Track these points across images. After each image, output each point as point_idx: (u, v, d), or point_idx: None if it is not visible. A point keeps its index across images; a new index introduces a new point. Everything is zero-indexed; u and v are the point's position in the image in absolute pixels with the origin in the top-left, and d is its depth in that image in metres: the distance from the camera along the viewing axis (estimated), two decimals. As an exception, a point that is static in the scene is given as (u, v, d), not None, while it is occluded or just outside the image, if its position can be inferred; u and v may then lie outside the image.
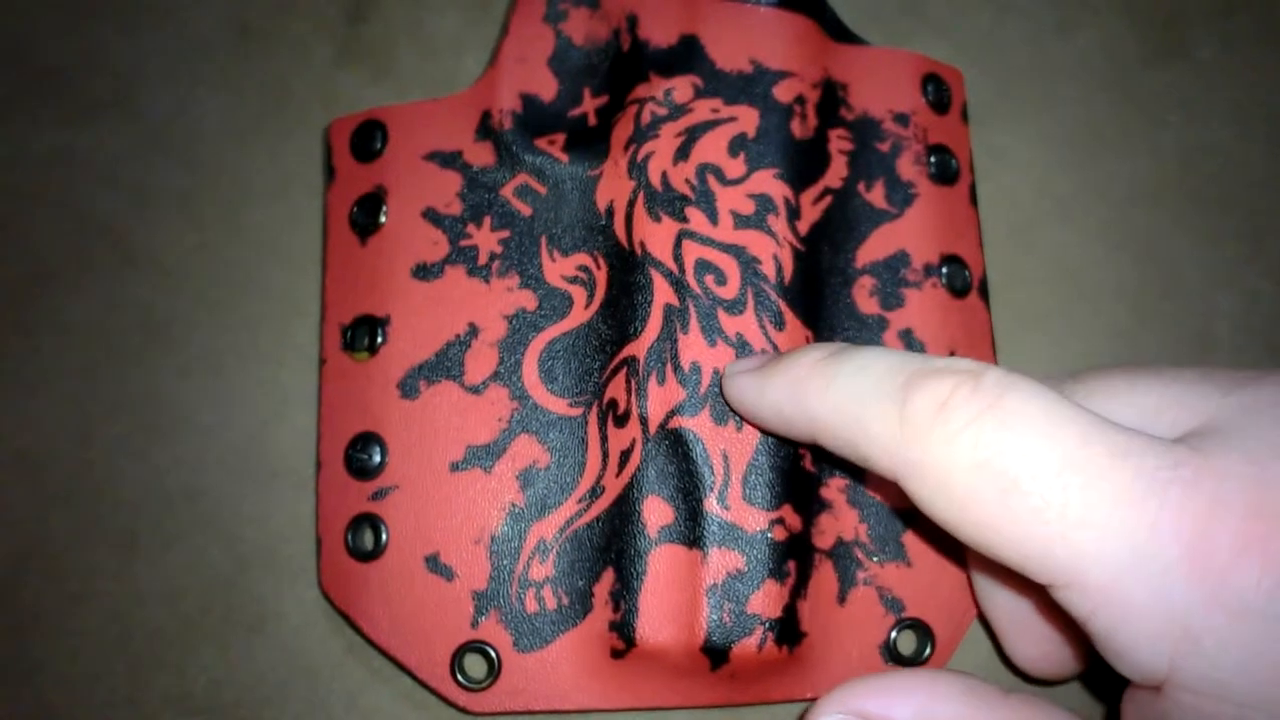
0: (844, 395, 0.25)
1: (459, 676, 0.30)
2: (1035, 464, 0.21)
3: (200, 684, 0.32)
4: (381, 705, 0.32)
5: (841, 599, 0.31)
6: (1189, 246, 0.37)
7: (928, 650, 0.31)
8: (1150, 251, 0.37)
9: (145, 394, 0.34)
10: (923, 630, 0.31)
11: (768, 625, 0.29)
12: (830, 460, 0.31)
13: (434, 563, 0.30)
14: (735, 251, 0.31)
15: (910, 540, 0.31)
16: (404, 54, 0.37)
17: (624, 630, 0.29)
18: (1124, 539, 0.21)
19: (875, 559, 0.31)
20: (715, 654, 0.29)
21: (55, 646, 0.32)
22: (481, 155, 0.33)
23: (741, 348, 0.30)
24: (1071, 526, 0.21)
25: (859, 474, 0.31)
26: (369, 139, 0.33)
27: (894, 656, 0.31)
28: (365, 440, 0.31)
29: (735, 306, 0.30)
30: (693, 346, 0.30)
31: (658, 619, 0.29)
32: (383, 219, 0.32)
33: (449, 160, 0.33)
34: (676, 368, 0.30)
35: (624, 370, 0.30)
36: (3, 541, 0.33)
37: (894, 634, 0.31)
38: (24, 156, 0.36)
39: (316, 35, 0.37)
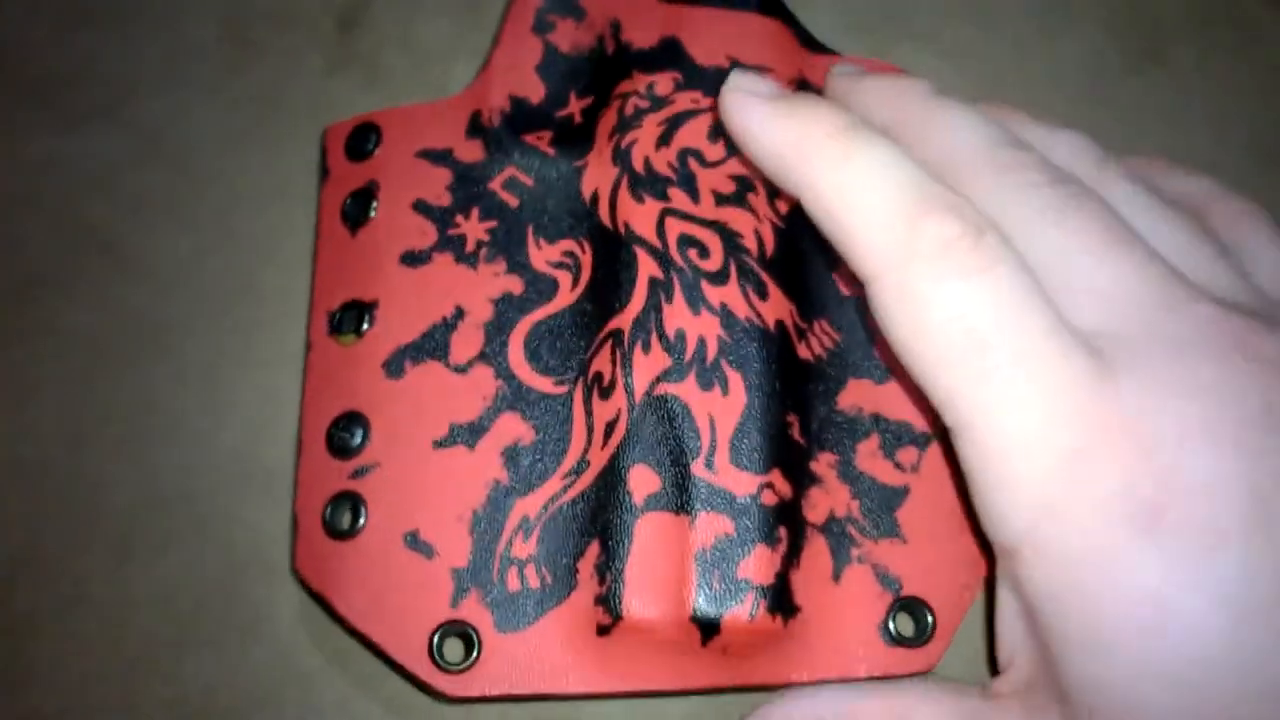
0: (856, 183, 0.25)
1: (437, 658, 0.28)
2: (1004, 336, 0.24)
3: (194, 688, 0.31)
4: (373, 712, 0.31)
5: (836, 576, 0.29)
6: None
7: (929, 630, 0.29)
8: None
9: (139, 399, 0.34)
10: (922, 609, 0.29)
11: (759, 591, 0.28)
12: (820, 438, 0.31)
13: (414, 540, 0.29)
14: (717, 227, 0.31)
15: (905, 516, 0.30)
16: (395, 62, 0.38)
17: (610, 603, 0.28)
18: (1040, 423, 0.23)
19: (869, 535, 0.30)
20: (705, 625, 0.28)
21: (48, 651, 0.31)
22: (471, 152, 0.34)
23: (726, 316, 0.30)
24: (1008, 392, 0.24)
25: (850, 446, 0.31)
26: (363, 140, 0.34)
27: (893, 637, 0.29)
28: (348, 419, 0.31)
29: (719, 278, 0.31)
30: (677, 315, 0.30)
31: (645, 588, 0.28)
32: (373, 212, 0.33)
33: (439, 157, 0.34)
34: (661, 336, 0.30)
35: (609, 343, 0.30)
36: (-4, 546, 0.32)
37: (892, 613, 0.29)
38: (17, 163, 0.37)
39: (308, 44, 0.38)
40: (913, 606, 0.30)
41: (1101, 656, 0.23)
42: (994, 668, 0.28)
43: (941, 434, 0.31)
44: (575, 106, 0.34)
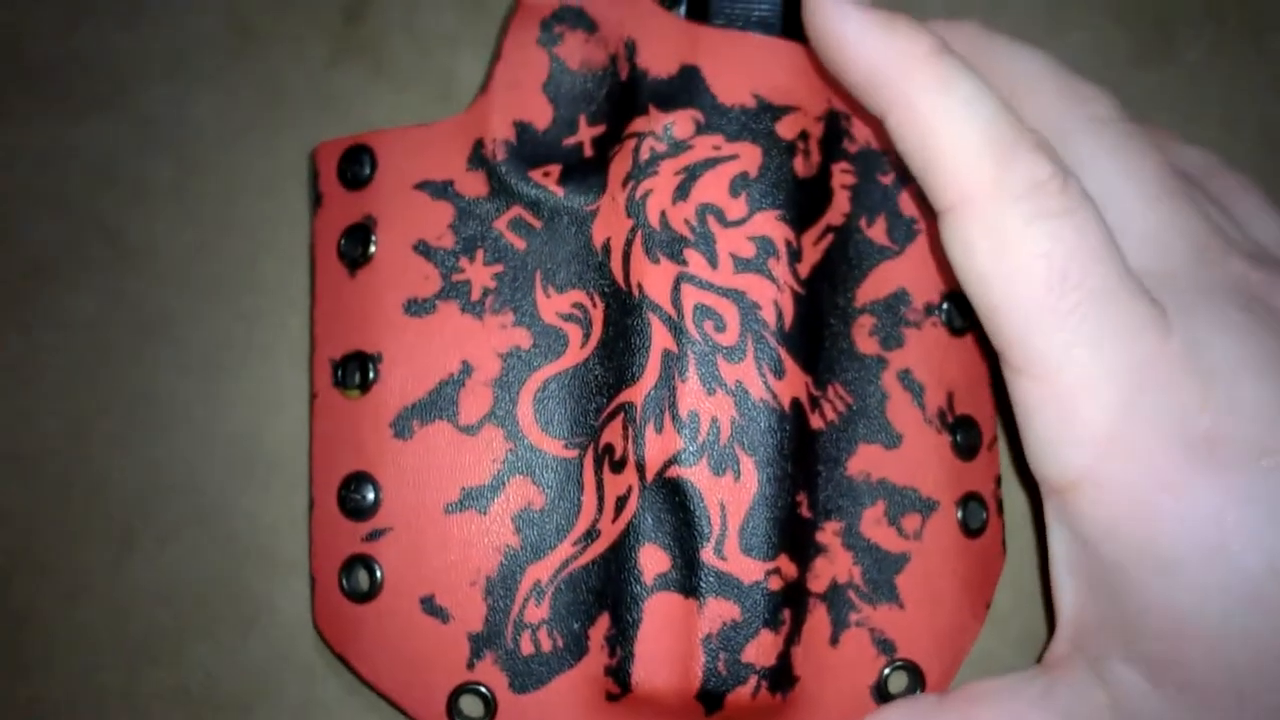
0: (954, 110, 0.26)
1: (456, 718, 0.30)
2: (1084, 277, 0.25)
3: (196, 679, 0.32)
4: (377, 701, 0.32)
5: (834, 641, 0.31)
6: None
7: (918, 691, 0.31)
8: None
9: (141, 389, 0.34)
10: (913, 671, 0.31)
11: (762, 674, 0.29)
12: (826, 508, 0.31)
13: (429, 605, 0.30)
14: (735, 296, 0.30)
15: (903, 582, 0.31)
16: (399, 52, 0.36)
17: (619, 675, 0.29)
18: (1110, 360, 0.25)
19: (868, 600, 0.31)
20: (710, 701, 0.29)
21: (51, 642, 0.32)
22: (474, 186, 0.32)
23: (740, 396, 0.30)
24: (1084, 330, 0.25)
25: (855, 514, 0.31)
26: (357, 164, 0.32)
27: (884, 697, 0.31)
28: (358, 480, 0.31)
29: (734, 354, 0.30)
30: (691, 395, 0.30)
31: (653, 665, 0.29)
32: (372, 250, 0.32)
33: (440, 190, 0.32)
34: (674, 416, 0.30)
35: (621, 416, 0.30)
36: (-2, 536, 0.33)
37: (885, 674, 0.31)
38: (19, 152, 0.35)
39: (312, 33, 0.37)
40: (906, 669, 0.31)
41: (1166, 580, 0.24)
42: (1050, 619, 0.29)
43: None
44: (586, 135, 0.32)
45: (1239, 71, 0.38)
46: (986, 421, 0.33)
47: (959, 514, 0.32)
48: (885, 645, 0.31)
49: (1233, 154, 0.37)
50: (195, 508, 0.33)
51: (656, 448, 0.30)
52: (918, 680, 0.31)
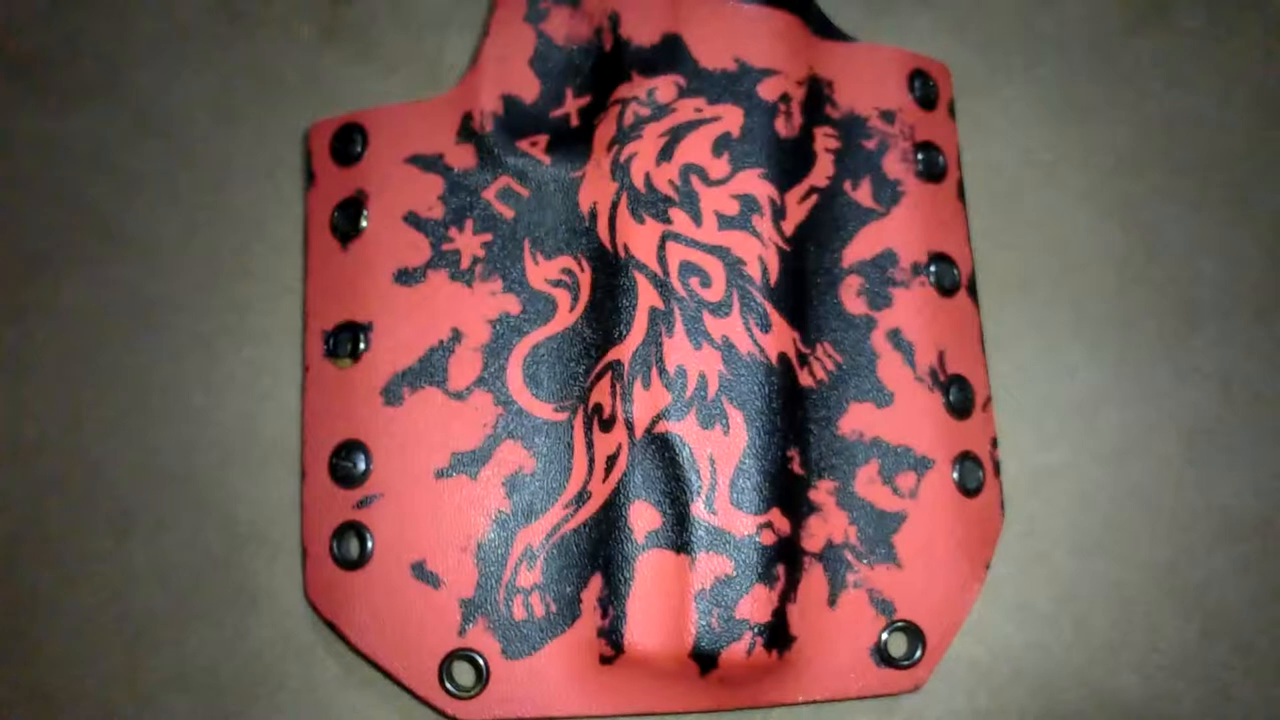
0: None
1: (447, 685, 0.30)
2: None
3: (196, 661, 0.32)
4: (375, 679, 0.32)
5: (832, 601, 0.30)
6: (1173, 213, 0.37)
7: (918, 652, 0.30)
8: (1135, 218, 0.37)
9: (136, 376, 0.34)
10: (913, 632, 0.30)
11: (757, 630, 0.29)
12: (819, 466, 0.31)
13: (420, 570, 0.30)
14: (720, 253, 0.30)
15: (901, 541, 0.31)
16: (388, 33, 0.37)
17: (612, 636, 0.29)
18: None
19: (865, 560, 0.31)
20: (704, 659, 0.29)
21: (53, 627, 0.32)
22: (463, 158, 0.32)
23: (727, 350, 0.30)
24: None
25: (849, 473, 0.31)
26: (349, 142, 0.33)
27: (884, 659, 0.30)
28: (349, 448, 0.31)
29: (720, 309, 0.30)
30: (678, 350, 0.30)
31: (646, 625, 0.29)
32: (364, 223, 0.32)
33: (430, 163, 0.32)
34: (662, 371, 0.30)
35: (609, 374, 0.30)
36: (-1, 524, 0.33)
37: (884, 636, 0.30)
38: (10, 142, 0.36)
39: (300, 16, 0.37)
40: (905, 630, 0.31)
41: None
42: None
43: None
44: (572, 106, 0.32)
45: (1233, 37, 0.39)
46: (979, 381, 0.33)
47: (955, 473, 0.31)
48: (884, 606, 0.30)
49: (1227, 120, 0.37)
50: (192, 493, 0.33)
51: (645, 404, 0.30)
52: (918, 641, 0.30)
